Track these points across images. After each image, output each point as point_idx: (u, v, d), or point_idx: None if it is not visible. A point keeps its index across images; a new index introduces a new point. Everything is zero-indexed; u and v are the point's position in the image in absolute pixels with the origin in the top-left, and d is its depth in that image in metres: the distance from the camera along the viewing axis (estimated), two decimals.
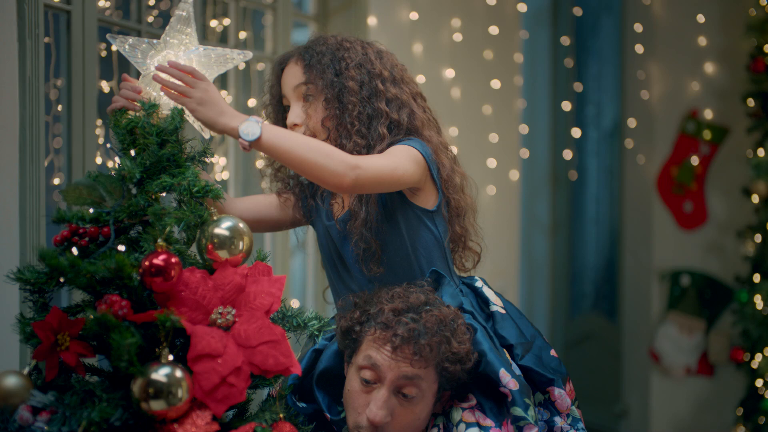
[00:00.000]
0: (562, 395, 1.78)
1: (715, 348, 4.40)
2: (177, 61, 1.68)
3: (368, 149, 1.80)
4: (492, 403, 1.74)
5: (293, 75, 1.87)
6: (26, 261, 1.99)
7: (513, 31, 4.08)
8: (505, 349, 1.80)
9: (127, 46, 1.69)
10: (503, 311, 1.85)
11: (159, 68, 1.66)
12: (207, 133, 1.71)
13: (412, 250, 1.83)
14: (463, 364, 1.69)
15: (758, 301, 3.92)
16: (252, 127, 1.63)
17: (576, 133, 4.76)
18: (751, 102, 4.05)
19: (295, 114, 1.85)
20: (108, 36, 1.71)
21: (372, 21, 3.29)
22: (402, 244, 1.83)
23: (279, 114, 1.93)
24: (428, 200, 1.83)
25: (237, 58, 1.73)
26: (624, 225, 4.76)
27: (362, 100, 1.82)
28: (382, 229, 1.82)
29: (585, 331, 5.05)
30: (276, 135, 1.65)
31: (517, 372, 1.76)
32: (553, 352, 1.84)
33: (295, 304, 1.60)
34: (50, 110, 2.33)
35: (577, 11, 4.91)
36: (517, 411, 1.70)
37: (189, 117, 1.68)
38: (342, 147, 1.79)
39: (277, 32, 3.08)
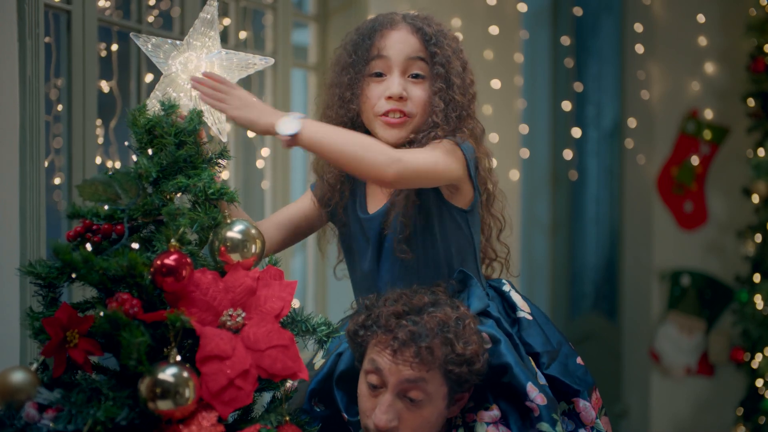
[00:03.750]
0: (587, 407, 1.74)
1: (715, 348, 4.40)
2: (212, 72, 1.68)
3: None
4: (517, 415, 1.70)
5: (410, 44, 1.78)
6: (26, 260, 1.99)
7: (513, 31, 4.08)
8: (531, 357, 1.77)
9: (150, 46, 1.69)
10: (530, 317, 1.81)
11: (195, 80, 1.66)
12: (225, 137, 1.71)
13: (444, 251, 1.79)
14: (470, 366, 1.65)
15: (758, 301, 3.92)
16: (292, 122, 1.59)
17: (576, 133, 4.76)
18: (751, 102, 4.05)
19: (400, 84, 1.77)
20: (132, 35, 1.72)
21: None
22: (433, 244, 1.79)
23: (359, 74, 1.79)
24: (464, 200, 1.80)
25: (259, 64, 1.72)
26: (624, 225, 4.76)
27: (468, 101, 1.81)
28: (417, 224, 1.78)
29: (585, 331, 5.05)
30: (317, 129, 1.62)
31: (542, 382, 1.73)
32: (579, 360, 1.81)
33: (295, 304, 1.59)
34: (50, 110, 2.32)
35: (577, 11, 4.91)
36: (544, 427, 1.67)
37: (207, 119, 1.69)
38: (422, 136, 1.77)
39: (277, 32, 3.07)
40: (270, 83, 3.10)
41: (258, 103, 1.65)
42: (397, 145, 1.78)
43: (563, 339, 1.84)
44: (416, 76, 1.78)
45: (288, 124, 1.59)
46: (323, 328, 1.56)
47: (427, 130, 1.77)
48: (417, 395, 1.63)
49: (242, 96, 1.65)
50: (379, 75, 1.79)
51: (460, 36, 1.92)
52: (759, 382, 3.97)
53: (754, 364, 3.98)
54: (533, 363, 1.76)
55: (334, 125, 1.81)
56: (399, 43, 1.77)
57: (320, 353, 1.86)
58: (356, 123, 1.83)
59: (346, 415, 1.77)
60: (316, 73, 3.37)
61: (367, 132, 1.84)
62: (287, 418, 1.51)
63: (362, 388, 1.69)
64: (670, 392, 4.48)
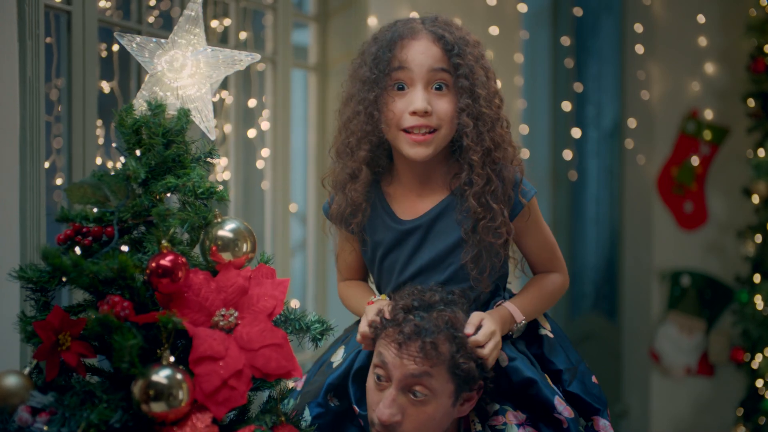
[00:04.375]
0: (606, 426, 1.77)
1: (715, 348, 4.40)
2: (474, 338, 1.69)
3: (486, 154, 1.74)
4: (546, 422, 1.72)
5: (431, 55, 1.72)
6: (26, 261, 1.99)
7: (513, 31, 4.08)
8: (547, 375, 1.78)
9: (134, 45, 1.67)
10: (551, 335, 1.83)
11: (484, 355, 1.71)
12: (213, 135, 1.71)
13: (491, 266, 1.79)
14: (478, 362, 1.66)
15: (758, 302, 3.93)
16: (521, 328, 1.79)
17: (576, 133, 4.76)
18: (751, 102, 4.06)
19: (424, 98, 1.71)
20: (115, 34, 1.70)
21: (372, 21, 3.29)
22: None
23: (382, 88, 1.73)
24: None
25: (245, 60, 1.70)
26: (624, 225, 4.76)
27: (496, 111, 1.76)
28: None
29: (585, 331, 5.05)
30: (527, 310, 1.79)
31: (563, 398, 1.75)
32: (594, 379, 1.82)
33: (295, 304, 1.59)
34: (51, 110, 2.33)
35: (577, 11, 4.91)
36: None
37: (195, 118, 1.69)
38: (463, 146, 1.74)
39: (277, 32, 3.08)
40: (270, 83, 3.11)
41: (499, 323, 1.72)
42: (423, 161, 1.74)
43: (580, 357, 1.86)
44: (439, 88, 1.73)
45: (519, 328, 1.78)
46: (317, 325, 1.56)
47: (467, 159, 1.73)
48: (421, 390, 1.63)
49: (487, 329, 1.69)
50: (402, 88, 1.74)
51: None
52: (759, 382, 3.97)
53: (754, 365, 3.98)
54: (549, 380, 1.77)
55: (357, 139, 1.77)
56: (420, 55, 1.72)
57: (340, 351, 1.87)
58: (381, 138, 1.77)
59: (357, 408, 1.77)
60: (316, 73, 3.38)
61: (389, 148, 1.80)
62: (283, 419, 1.51)
63: (370, 382, 1.70)
64: (670, 392, 4.48)
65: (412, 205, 1.80)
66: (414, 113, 1.72)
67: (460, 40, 1.73)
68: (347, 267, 1.93)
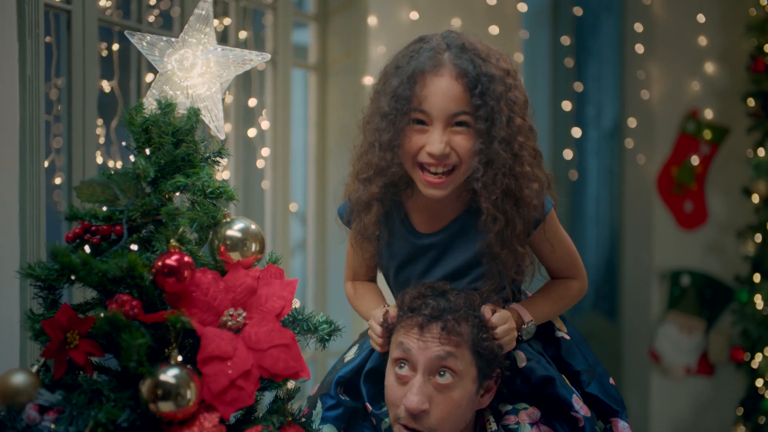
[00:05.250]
0: (625, 428, 1.77)
1: (715, 348, 4.40)
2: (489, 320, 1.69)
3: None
4: (563, 420, 1.72)
5: (452, 97, 1.64)
6: (27, 260, 1.98)
7: (513, 31, 4.07)
8: (565, 376, 1.78)
9: (145, 44, 1.67)
10: (568, 337, 1.83)
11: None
12: (223, 134, 1.70)
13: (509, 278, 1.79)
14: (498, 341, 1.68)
15: (758, 301, 3.93)
16: (528, 326, 1.76)
17: (576, 133, 4.76)
18: (751, 102, 4.06)
19: (443, 141, 1.64)
20: (126, 33, 1.69)
21: (372, 21, 3.29)
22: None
23: (400, 123, 1.67)
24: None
25: (255, 60, 1.69)
26: (624, 225, 4.76)
27: (518, 149, 1.68)
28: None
29: (585, 331, 5.01)
30: (540, 313, 1.78)
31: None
32: (611, 381, 1.83)
33: (295, 304, 1.59)
34: (51, 110, 2.32)
35: (577, 11, 4.91)
36: None
37: (205, 117, 1.68)
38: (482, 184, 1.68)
39: (277, 32, 3.07)
40: (270, 83, 3.10)
41: (512, 329, 1.72)
42: (438, 198, 1.70)
43: (597, 359, 1.86)
44: (460, 124, 1.66)
45: (527, 329, 1.76)
46: (324, 326, 1.56)
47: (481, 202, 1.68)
48: (446, 374, 1.63)
49: (503, 314, 1.71)
50: (421, 122, 1.67)
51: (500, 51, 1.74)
52: (759, 382, 3.97)
53: (754, 364, 3.98)
54: (567, 380, 1.77)
55: (373, 173, 1.72)
56: (441, 98, 1.63)
57: (353, 349, 1.87)
58: (398, 172, 1.72)
59: (369, 406, 1.77)
60: (316, 72, 3.37)
61: (409, 177, 1.75)
62: (290, 419, 1.51)
63: (390, 379, 1.68)
64: (670, 392, 4.48)
65: (429, 219, 1.78)
66: (431, 154, 1.66)
67: (485, 76, 1.64)
68: (358, 267, 1.92)
